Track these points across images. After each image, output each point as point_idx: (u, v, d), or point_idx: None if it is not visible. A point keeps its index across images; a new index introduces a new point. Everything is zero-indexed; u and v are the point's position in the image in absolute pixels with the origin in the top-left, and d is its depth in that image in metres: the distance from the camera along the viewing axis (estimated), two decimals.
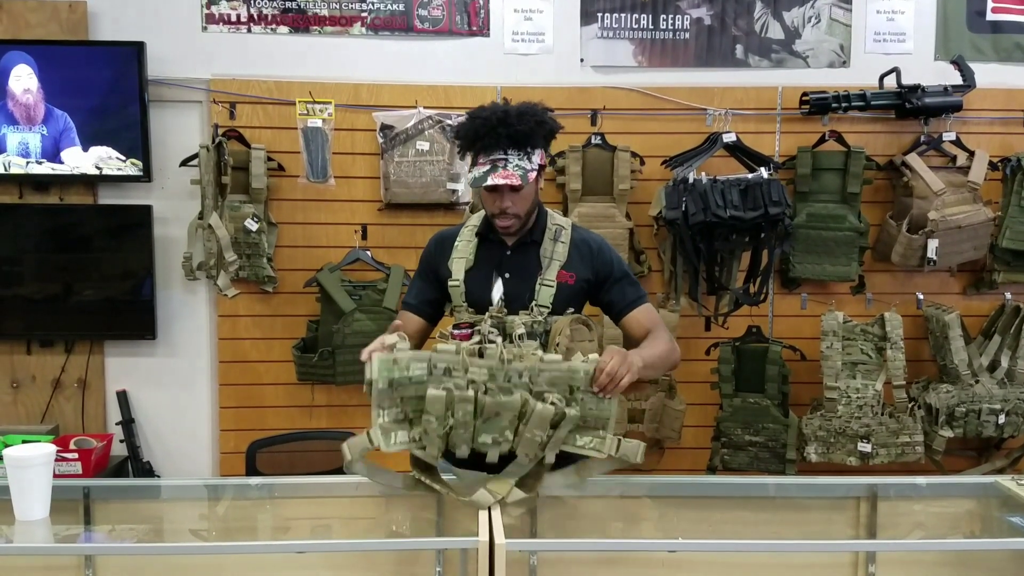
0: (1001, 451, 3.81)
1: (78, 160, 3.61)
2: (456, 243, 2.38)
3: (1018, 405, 3.60)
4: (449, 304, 2.40)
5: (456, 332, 2.25)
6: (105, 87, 3.62)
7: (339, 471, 2.96)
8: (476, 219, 2.42)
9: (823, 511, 2.38)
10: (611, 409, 2.04)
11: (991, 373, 3.64)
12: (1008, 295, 3.75)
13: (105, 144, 3.62)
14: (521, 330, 2.20)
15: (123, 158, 3.61)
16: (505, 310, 2.26)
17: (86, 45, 3.65)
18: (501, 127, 2.20)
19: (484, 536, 1.78)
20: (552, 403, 1.96)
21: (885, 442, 3.56)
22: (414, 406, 1.97)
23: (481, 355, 2.02)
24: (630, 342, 2.32)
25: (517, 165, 2.20)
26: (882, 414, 3.57)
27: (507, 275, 2.31)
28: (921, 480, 2.60)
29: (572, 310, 2.29)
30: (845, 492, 2.45)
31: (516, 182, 2.19)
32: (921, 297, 3.80)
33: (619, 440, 2.04)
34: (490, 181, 2.19)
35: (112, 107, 3.63)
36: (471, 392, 1.94)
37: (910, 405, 3.60)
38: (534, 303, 2.26)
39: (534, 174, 2.24)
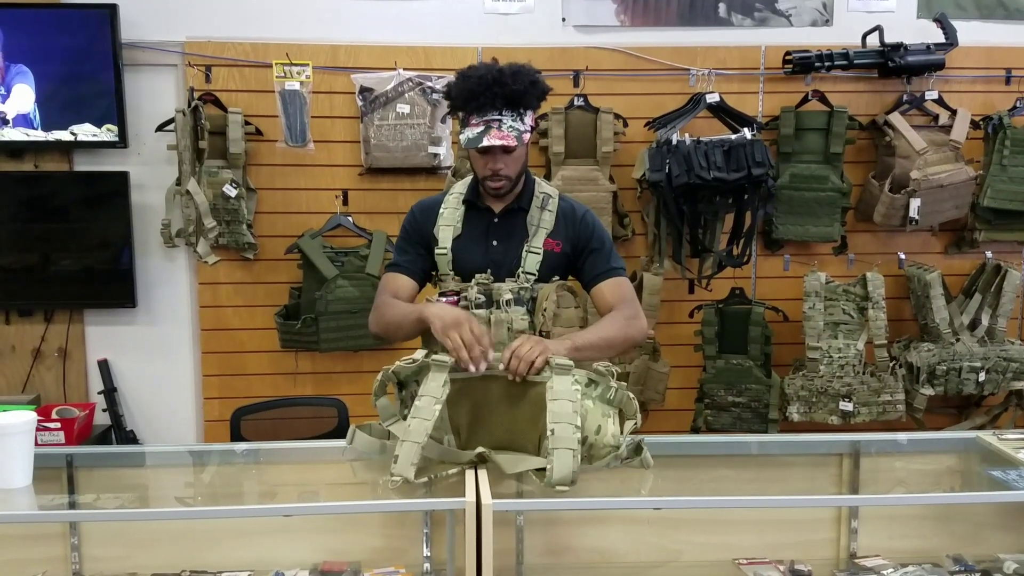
0: (981, 408, 3.85)
1: (29, 100, 3.53)
2: (441, 210, 2.36)
3: (998, 363, 3.63)
4: (435, 273, 2.38)
5: (443, 300, 2.26)
6: (78, 51, 3.54)
7: (325, 437, 2.98)
8: (461, 186, 2.40)
9: (806, 468, 2.40)
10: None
11: (971, 331, 3.67)
12: (989, 254, 3.77)
13: (80, 110, 3.55)
14: (508, 296, 2.23)
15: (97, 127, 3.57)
16: (492, 277, 2.27)
17: (57, 8, 3.56)
18: (497, 87, 2.17)
19: (471, 496, 1.78)
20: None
21: (867, 401, 3.59)
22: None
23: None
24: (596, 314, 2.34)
25: (511, 126, 2.19)
26: (863, 373, 3.60)
27: (495, 242, 2.32)
28: (903, 436, 2.62)
29: (557, 278, 2.31)
30: (828, 449, 2.48)
31: (512, 143, 2.18)
32: (903, 257, 3.82)
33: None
34: (486, 142, 2.17)
35: (86, 72, 3.55)
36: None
37: (891, 364, 3.62)
38: (520, 270, 2.28)
39: (527, 135, 2.23)
